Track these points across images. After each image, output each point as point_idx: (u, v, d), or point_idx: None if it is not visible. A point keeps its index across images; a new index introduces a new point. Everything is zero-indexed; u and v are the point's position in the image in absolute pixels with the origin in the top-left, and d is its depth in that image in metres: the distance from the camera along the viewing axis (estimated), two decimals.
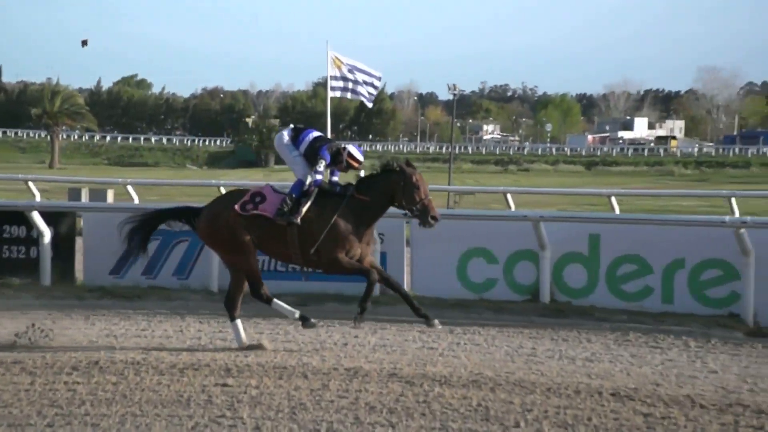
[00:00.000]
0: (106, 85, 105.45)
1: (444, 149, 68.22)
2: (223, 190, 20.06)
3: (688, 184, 40.70)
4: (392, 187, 7.37)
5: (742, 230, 8.73)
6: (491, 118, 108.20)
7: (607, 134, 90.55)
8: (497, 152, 74.48)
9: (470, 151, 76.10)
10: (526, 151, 75.07)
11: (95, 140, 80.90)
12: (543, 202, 21.69)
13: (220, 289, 10.32)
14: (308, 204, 7.42)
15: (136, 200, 17.62)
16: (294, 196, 7.49)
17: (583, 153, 71.86)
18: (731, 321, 8.64)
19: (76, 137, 79.14)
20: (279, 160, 67.22)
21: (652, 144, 77.40)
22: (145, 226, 7.97)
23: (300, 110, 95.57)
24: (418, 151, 75.62)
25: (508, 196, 17.63)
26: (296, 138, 7.68)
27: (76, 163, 65.21)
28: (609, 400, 6.10)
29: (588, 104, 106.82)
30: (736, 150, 66.23)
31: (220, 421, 5.66)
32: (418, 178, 7.36)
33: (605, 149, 74.66)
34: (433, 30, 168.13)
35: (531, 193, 22.54)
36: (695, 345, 7.87)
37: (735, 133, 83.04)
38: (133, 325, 8.68)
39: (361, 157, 7.68)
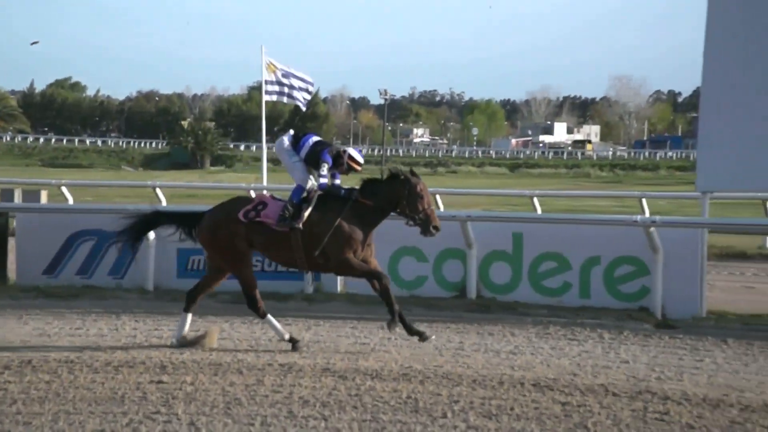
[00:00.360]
0: (39, 87, 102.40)
1: (376, 151, 68.39)
2: (159, 191, 19.72)
3: (603, 186, 41.59)
4: (397, 194, 7.26)
5: (652, 229, 8.96)
6: (421, 122, 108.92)
7: (530, 138, 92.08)
8: (427, 155, 74.98)
9: (401, 154, 76.46)
10: (454, 154, 75.78)
11: (28, 142, 78.48)
12: (470, 203, 21.90)
13: (156, 287, 10.17)
14: (309, 209, 7.29)
15: (71, 201, 17.16)
16: (294, 201, 7.37)
17: (507, 156, 72.91)
18: (642, 314, 8.87)
19: (8, 139, 76.70)
20: (214, 162, 66.10)
21: (570, 148, 79.02)
22: (141, 226, 7.85)
23: (235, 113, 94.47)
24: None
25: (437, 196, 17.76)
26: (296, 143, 7.55)
27: (7, 165, 63.14)
28: (530, 391, 6.21)
29: (511, 110, 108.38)
30: (646, 154, 68.13)
31: (155, 417, 5.58)
32: (422, 187, 7.25)
33: (528, 152, 75.92)
34: (364, 37, 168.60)
35: (459, 194, 22.72)
36: (609, 337, 8.07)
37: (645, 138, 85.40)
38: (67, 324, 8.47)
39: (361, 160, 7.63)
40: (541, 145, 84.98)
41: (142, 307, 9.30)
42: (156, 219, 7.99)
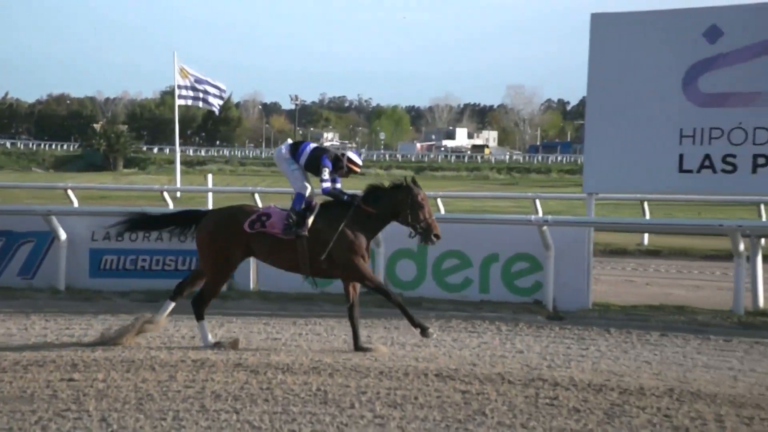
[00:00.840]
0: None
1: None
2: (70, 193, 19.03)
3: (500, 187, 42.39)
4: (399, 203, 7.15)
5: (545, 228, 9.19)
6: (331, 127, 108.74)
7: (433, 142, 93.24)
8: None
9: None
10: (362, 157, 75.83)
11: None
12: None
13: (68, 287, 9.82)
14: (312, 216, 7.15)
15: None
16: (297, 209, 7.23)
17: (413, 159, 73.55)
18: (535, 307, 9.11)
19: None
20: (128, 164, 64.21)
21: (469, 152, 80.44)
22: (137, 223, 7.68)
23: (148, 117, 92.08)
24: (263, 156, 74.74)
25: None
26: (295, 152, 7.39)
27: None
28: (433, 381, 6.28)
29: (416, 115, 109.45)
30: (539, 158, 69.97)
31: (65, 414, 5.38)
32: (423, 197, 7.15)
33: (431, 156, 76.82)
34: (276, 44, 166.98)
35: None
36: (506, 329, 8.25)
37: (538, 143, 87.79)
38: None
39: (360, 162, 7.50)
40: (443, 149, 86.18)
41: (54, 306, 8.96)
42: (153, 220, 7.78)
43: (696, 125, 9.30)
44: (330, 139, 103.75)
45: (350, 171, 7.41)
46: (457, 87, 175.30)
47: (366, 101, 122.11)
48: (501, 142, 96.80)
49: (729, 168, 9.20)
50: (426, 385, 6.15)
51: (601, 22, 9.77)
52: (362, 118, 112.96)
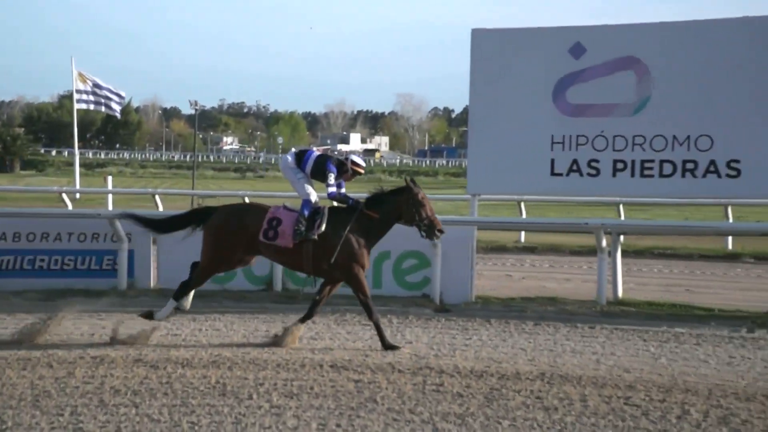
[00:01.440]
0: None
1: (188, 158, 66.03)
2: None
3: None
4: (400, 205, 7.09)
5: None
6: (230, 131, 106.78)
7: (329, 147, 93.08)
8: (236, 161, 73.55)
9: (212, 160, 74.42)
10: (261, 160, 74.91)
11: None
12: (278, 203, 21.71)
13: None
14: (324, 221, 7.07)
15: None
16: (306, 214, 7.13)
17: None
18: (424, 300, 9.24)
19: None
20: (25, 166, 60.86)
21: (361, 155, 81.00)
22: (165, 227, 7.54)
23: (46, 120, 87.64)
24: (163, 159, 72.66)
25: (246, 198, 17.53)
26: (300, 161, 7.35)
27: None
28: (328, 371, 6.28)
29: (312, 121, 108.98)
30: (427, 162, 71.14)
31: None
32: (423, 196, 7.10)
33: None
34: (176, 51, 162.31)
35: (265, 197, 22.49)
36: (397, 321, 8.33)
37: (426, 148, 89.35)
38: None
39: (363, 163, 7.46)
40: (338, 152, 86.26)
41: None
42: (180, 222, 7.52)
43: (565, 133, 9.68)
44: (230, 143, 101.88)
45: (354, 173, 7.41)
46: (350, 95, 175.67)
47: (264, 107, 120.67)
48: (392, 146, 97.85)
49: (593, 172, 9.63)
50: (321, 376, 6.14)
51: (480, 37, 10.03)
52: (261, 123, 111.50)
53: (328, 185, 7.23)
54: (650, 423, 5.18)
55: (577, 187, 9.86)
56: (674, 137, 9.25)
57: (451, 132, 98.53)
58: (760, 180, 9.10)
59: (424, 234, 7.26)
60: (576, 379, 6.13)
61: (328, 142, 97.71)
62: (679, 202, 15.95)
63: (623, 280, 9.61)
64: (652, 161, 9.35)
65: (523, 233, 15.00)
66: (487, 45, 9.96)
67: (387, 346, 7.02)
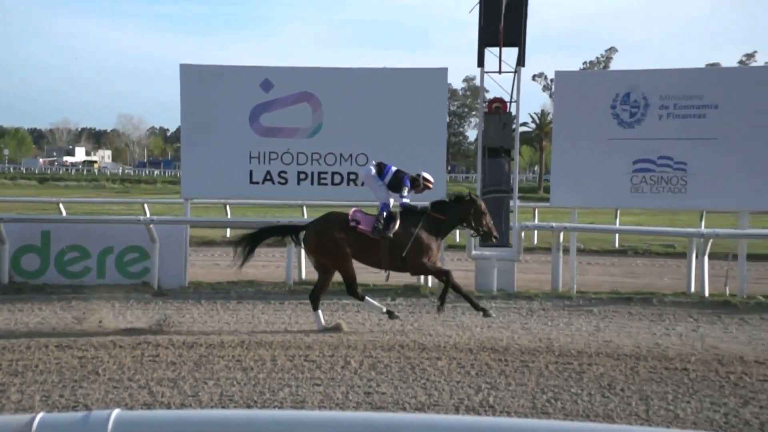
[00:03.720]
0: None
1: None
2: None
3: (115, 195, 39.20)
4: (465, 211, 6.94)
5: (151, 225, 8.97)
6: None
7: (55, 158, 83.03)
8: None
9: None
10: None
11: None
12: (7, 208, 18.56)
13: None
14: (398, 221, 6.81)
15: None
16: (384, 215, 6.91)
17: (37, 172, 63.80)
18: (144, 287, 8.78)
19: None
20: None
21: (81, 165, 73.51)
22: (256, 238, 7.05)
23: None
24: None
25: None
26: (380, 172, 7.16)
27: None
28: (53, 351, 5.67)
29: (38, 136, 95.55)
30: (147, 171, 67.06)
31: None
32: (485, 207, 7.02)
33: (54, 169, 67.64)
34: None
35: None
36: (119, 305, 7.76)
37: (145, 160, 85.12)
38: None
39: (432, 179, 7.22)
40: (65, 164, 76.87)
41: None
42: (266, 232, 7.18)
43: (260, 150, 9.86)
44: None
45: (425, 188, 7.22)
46: (74, 114, 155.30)
47: None
48: (115, 158, 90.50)
49: (283, 181, 9.94)
50: (47, 355, 5.54)
51: (188, 71, 9.79)
52: None
53: (402, 195, 7.12)
54: (322, 373, 5.45)
55: (271, 192, 10.09)
56: (341, 154, 9.90)
57: (167, 147, 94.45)
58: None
59: (479, 237, 7.30)
60: (269, 344, 6.21)
61: (54, 154, 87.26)
62: (345, 203, 17.15)
63: (306, 265, 10.02)
64: (326, 173, 9.91)
65: (229, 230, 14.92)
66: (195, 77, 9.75)
67: (479, 309, 6.76)
